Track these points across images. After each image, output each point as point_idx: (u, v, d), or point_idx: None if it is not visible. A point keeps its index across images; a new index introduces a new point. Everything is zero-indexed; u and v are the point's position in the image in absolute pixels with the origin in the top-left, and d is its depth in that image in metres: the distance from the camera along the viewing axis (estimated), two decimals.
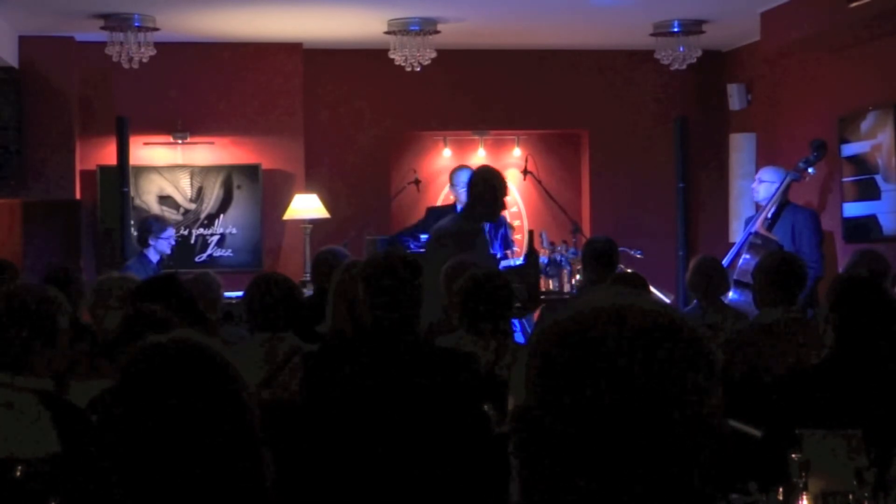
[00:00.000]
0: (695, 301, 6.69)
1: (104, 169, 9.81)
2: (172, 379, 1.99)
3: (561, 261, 8.61)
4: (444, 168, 10.61)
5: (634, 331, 1.36)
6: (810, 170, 8.35)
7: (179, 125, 10.02)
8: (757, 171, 8.84)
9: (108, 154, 9.74)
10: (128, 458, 1.96)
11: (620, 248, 7.47)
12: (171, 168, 10.09)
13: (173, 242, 9.32)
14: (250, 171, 10.16)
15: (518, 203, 10.99)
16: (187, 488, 1.95)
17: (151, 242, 8.98)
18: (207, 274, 6.04)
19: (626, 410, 1.33)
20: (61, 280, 5.81)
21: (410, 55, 9.14)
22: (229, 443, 1.98)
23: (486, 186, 6.55)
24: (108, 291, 5.48)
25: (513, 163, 11.04)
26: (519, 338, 5.85)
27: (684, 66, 9.44)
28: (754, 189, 8.44)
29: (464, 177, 9.18)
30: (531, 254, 6.71)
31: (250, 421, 2.02)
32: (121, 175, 9.37)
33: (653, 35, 9.40)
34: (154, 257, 9.00)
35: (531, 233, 6.62)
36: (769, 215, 8.18)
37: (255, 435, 2.02)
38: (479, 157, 10.94)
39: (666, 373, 1.35)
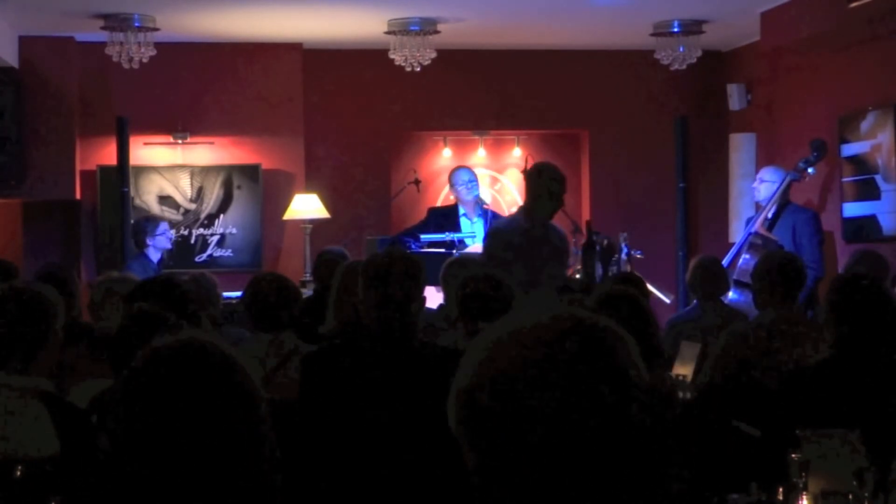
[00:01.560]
0: (695, 301, 6.69)
1: (104, 169, 9.81)
2: (183, 380, 1.98)
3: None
4: (444, 168, 10.60)
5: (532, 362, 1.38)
6: (810, 170, 8.34)
7: (179, 125, 10.02)
8: (757, 171, 8.84)
9: (108, 154, 9.74)
10: (138, 461, 1.96)
11: None
12: (171, 168, 10.09)
13: (171, 236, 9.34)
14: (250, 171, 10.16)
15: (518, 203, 10.98)
16: (199, 489, 1.95)
17: (149, 242, 9.00)
18: (203, 274, 6.05)
19: (553, 442, 1.35)
20: (55, 279, 5.79)
21: (410, 55, 9.14)
22: (241, 443, 1.98)
23: (540, 183, 6.58)
24: (108, 292, 5.47)
25: (513, 163, 11.04)
26: None
27: (684, 66, 9.44)
28: (755, 189, 8.44)
29: (463, 176, 9.19)
30: (589, 244, 6.76)
31: (261, 421, 2.02)
32: (121, 175, 9.37)
33: (653, 35, 9.40)
34: (155, 256, 9.02)
35: (588, 223, 6.69)
36: (769, 215, 8.18)
37: (265, 435, 2.02)
38: (479, 156, 10.95)
39: (579, 382, 1.37)
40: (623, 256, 7.47)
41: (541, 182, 6.58)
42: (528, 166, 10.35)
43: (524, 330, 1.40)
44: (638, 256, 8.37)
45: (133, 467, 1.96)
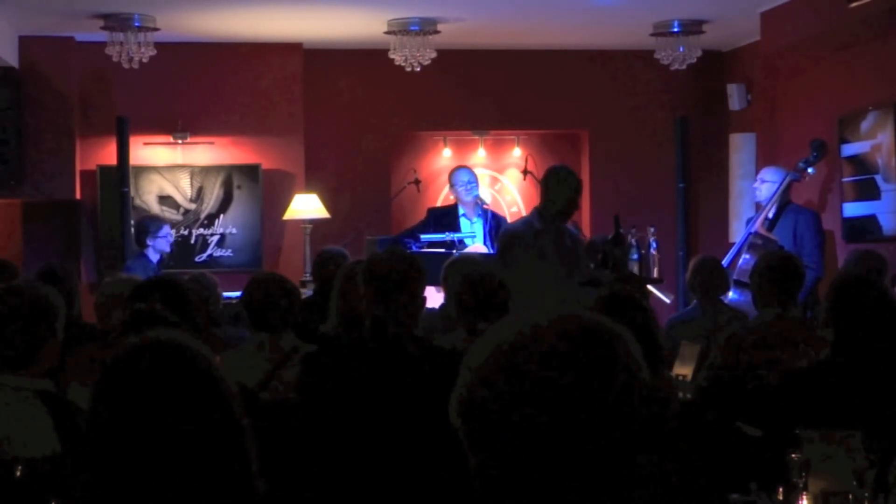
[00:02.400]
0: (695, 301, 6.70)
1: (104, 169, 9.81)
2: (150, 378, 1.98)
3: None
4: (444, 168, 10.60)
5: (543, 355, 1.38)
6: (810, 170, 8.35)
7: (179, 125, 10.02)
8: (757, 171, 8.84)
9: (108, 154, 9.74)
10: (109, 458, 1.96)
11: None
12: (171, 168, 10.09)
13: (171, 239, 9.34)
14: (250, 171, 10.16)
15: (518, 203, 11.00)
16: (169, 487, 1.94)
17: (150, 243, 9.00)
18: (204, 274, 6.05)
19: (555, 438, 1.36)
20: (55, 279, 5.79)
21: (410, 55, 9.14)
22: (210, 441, 1.97)
23: (555, 185, 6.59)
24: (115, 293, 5.46)
25: (513, 163, 11.04)
26: None
27: (684, 66, 9.44)
28: (756, 189, 8.44)
29: (463, 176, 9.19)
30: (617, 236, 6.77)
31: (233, 417, 2.01)
32: (121, 175, 9.37)
33: (653, 35, 9.39)
34: (154, 257, 9.01)
35: (617, 218, 6.70)
36: (770, 215, 8.18)
37: (239, 431, 2.01)
38: (479, 157, 10.95)
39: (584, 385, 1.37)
40: (652, 251, 7.49)
41: (555, 184, 6.58)
42: (529, 166, 10.40)
43: (526, 331, 1.40)
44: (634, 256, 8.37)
45: (106, 463, 1.96)
